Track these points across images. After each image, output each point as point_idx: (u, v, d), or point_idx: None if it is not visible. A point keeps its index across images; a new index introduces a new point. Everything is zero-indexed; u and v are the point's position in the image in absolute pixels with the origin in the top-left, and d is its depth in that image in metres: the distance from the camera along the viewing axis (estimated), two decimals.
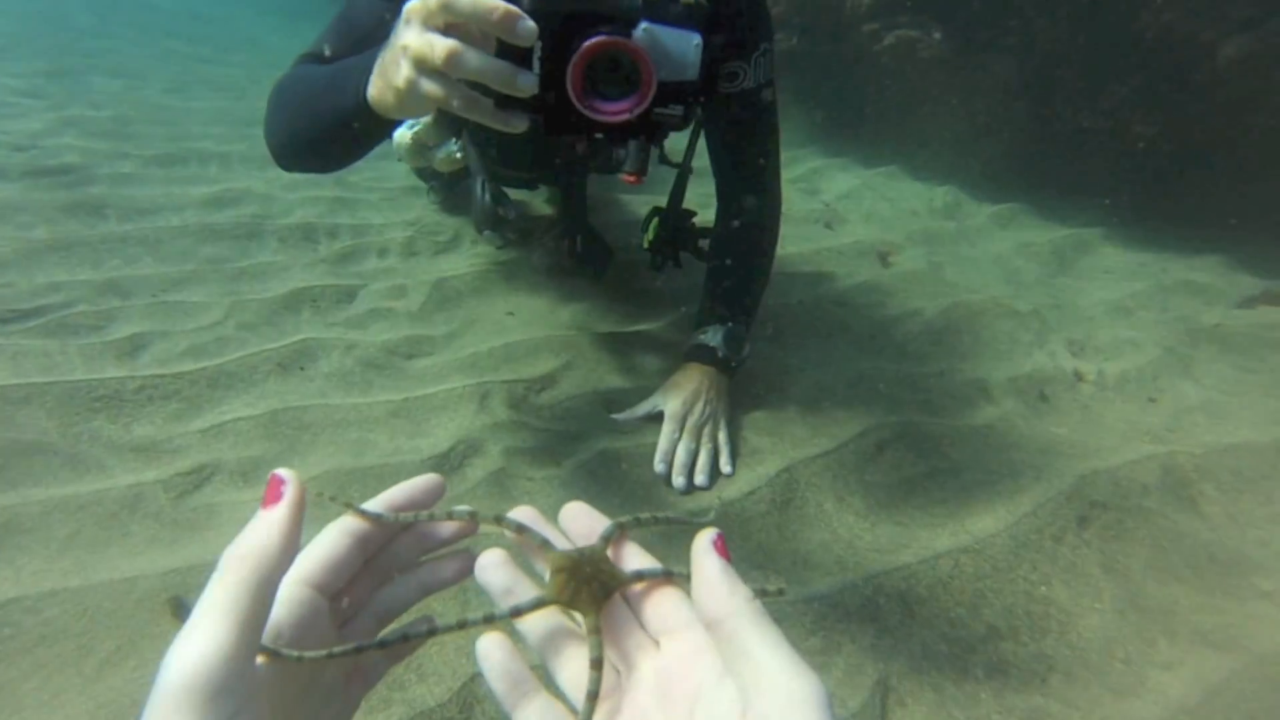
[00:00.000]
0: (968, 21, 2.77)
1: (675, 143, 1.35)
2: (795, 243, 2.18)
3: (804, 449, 1.23)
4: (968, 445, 1.30)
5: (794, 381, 1.42)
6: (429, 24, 0.69)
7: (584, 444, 1.23)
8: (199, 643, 0.29)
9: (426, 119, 1.73)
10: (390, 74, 0.74)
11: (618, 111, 0.73)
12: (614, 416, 1.29)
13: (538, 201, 2.10)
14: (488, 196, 1.59)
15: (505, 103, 0.72)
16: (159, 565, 0.94)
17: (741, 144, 1.36)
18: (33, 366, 1.29)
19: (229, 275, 1.77)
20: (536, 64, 0.72)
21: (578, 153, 1.40)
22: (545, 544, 0.41)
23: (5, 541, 0.95)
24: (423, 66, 0.70)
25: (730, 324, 1.32)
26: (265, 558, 0.32)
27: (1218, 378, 1.53)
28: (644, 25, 0.72)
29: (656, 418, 1.25)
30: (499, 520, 0.42)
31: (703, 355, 1.30)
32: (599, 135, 0.79)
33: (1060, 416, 1.42)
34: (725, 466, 1.19)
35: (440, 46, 0.67)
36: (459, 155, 1.75)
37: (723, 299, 1.36)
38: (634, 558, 0.42)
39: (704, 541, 0.36)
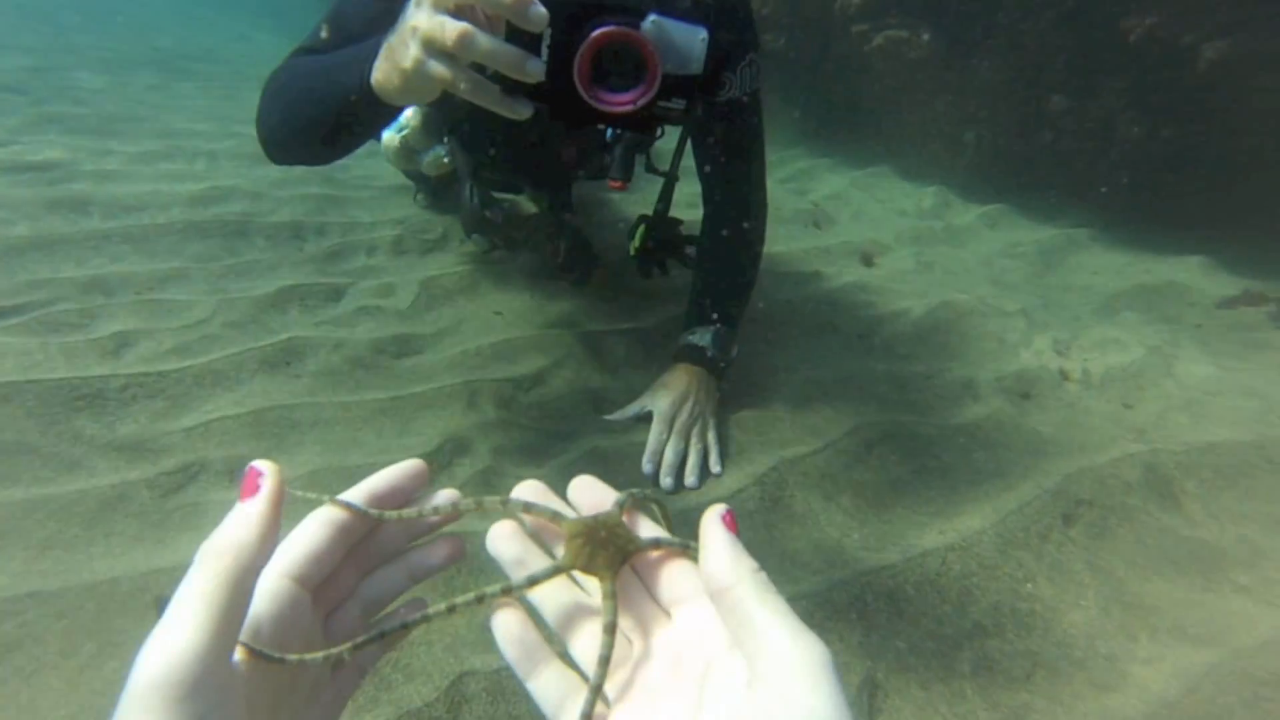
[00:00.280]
0: (955, 23, 2.79)
1: (664, 142, 1.36)
2: (784, 242, 2.19)
3: (792, 448, 1.23)
4: (955, 444, 1.30)
5: (783, 381, 1.42)
6: (440, 6, 0.69)
7: (572, 443, 1.23)
8: (171, 640, 0.28)
9: (414, 123, 1.74)
10: (398, 55, 0.74)
11: (623, 102, 0.74)
12: (605, 417, 1.29)
13: (525, 202, 2.10)
14: (475, 200, 1.59)
15: (511, 88, 0.72)
16: (143, 565, 0.93)
17: (727, 152, 1.37)
18: (13, 365, 1.28)
19: (216, 273, 1.75)
20: (545, 51, 0.72)
21: (564, 159, 1.41)
22: (556, 515, 0.41)
23: None
24: (432, 48, 0.70)
25: (719, 325, 1.33)
26: (242, 552, 0.31)
27: (1199, 377, 1.55)
28: (652, 18, 0.72)
29: (646, 418, 1.25)
30: (505, 502, 0.42)
31: (692, 355, 1.31)
32: (600, 126, 0.78)
33: (1046, 415, 1.43)
34: (714, 466, 1.19)
35: (451, 28, 0.67)
36: (446, 160, 1.75)
37: (711, 301, 1.37)
38: (646, 528, 0.41)
39: (713, 514, 0.36)
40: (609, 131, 1.08)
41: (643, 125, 0.78)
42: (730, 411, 1.32)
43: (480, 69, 0.71)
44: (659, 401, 1.24)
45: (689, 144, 1.40)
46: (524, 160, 1.49)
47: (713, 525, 0.36)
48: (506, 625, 0.40)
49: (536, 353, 1.46)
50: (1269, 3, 2.03)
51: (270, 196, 2.25)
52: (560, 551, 0.40)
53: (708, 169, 1.40)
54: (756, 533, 1.08)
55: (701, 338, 1.31)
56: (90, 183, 2.20)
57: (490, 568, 0.98)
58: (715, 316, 1.35)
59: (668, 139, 1.35)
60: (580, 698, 0.36)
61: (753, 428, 1.29)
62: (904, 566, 1.02)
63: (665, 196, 1.46)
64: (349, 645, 0.36)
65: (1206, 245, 2.22)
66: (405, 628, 0.39)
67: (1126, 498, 1.17)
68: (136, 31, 5.25)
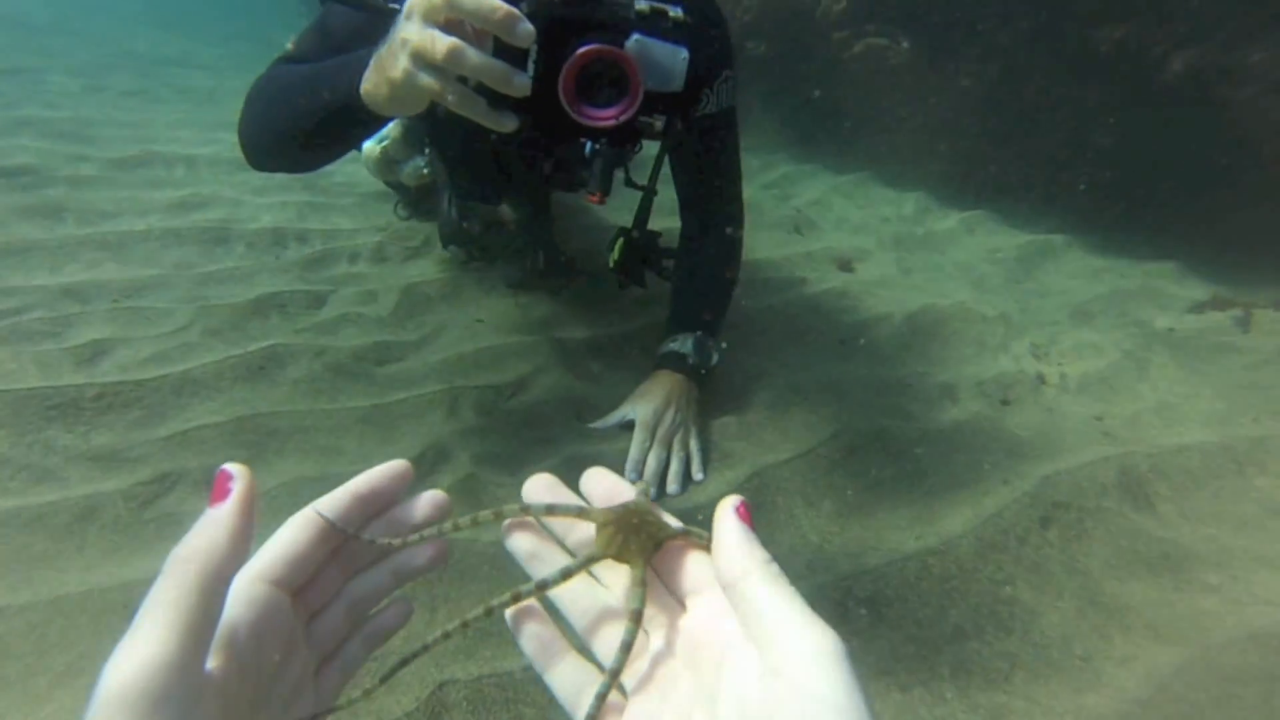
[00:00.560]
0: (935, 31, 2.83)
1: (642, 155, 1.37)
2: (766, 248, 2.20)
3: (774, 453, 1.24)
4: (935, 448, 1.32)
5: (764, 386, 1.43)
6: (431, 20, 0.70)
7: (554, 449, 1.23)
8: (138, 649, 0.28)
9: (395, 133, 1.75)
10: (387, 66, 0.76)
11: (605, 117, 0.76)
12: (588, 425, 1.29)
13: (505, 210, 2.10)
14: (454, 212, 1.60)
15: (497, 102, 0.74)
16: (116, 577, 0.91)
17: (705, 166, 1.40)
18: None
19: (195, 280, 1.73)
20: (531, 66, 0.74)
21: (543, 172, 1.43)
22: (581, 510, 0.41)
23: None
24: (421, 60, 0.71)
25: (699, 332, 1.34)
26: (212, 558, 0.31)
27: (1171, 380, 1.58)
28: (635, 37, 0.75)
29: (628, 426, 1.25)
30: (525, 509, 0.42)
31: (673, 363, 1.31)
32: (583, 139, 0.81)
33: (1024, 419, 1.45)
34: (696, 473, 1.19)
35: (441, 42, 0.69)
36: (426, 171, 1.76)
37: (691, 308, 1.39)
38: (669, 518, 0.42)
39: (726, 506, 0.36)
40: (588, 146, 1.12)
41: (624, 139, 0.80)
42: (712, 418, 1.33)
43: (468, 82, 0.73)
44: (641, 409, 1.25)
45: (667, 158, 1.42)
46: (503, 173, 1.50)
47: (726, 517, 0.36)
48: (522, 620, 0.40)
49: (518, 359, 1.46)
50: (1231, 17, 2.09)
51: (251, 203, 2.23)
52: (569, 538, 0.40)
53: (686, 183, 1.43)
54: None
55: (683, 345, 1.32)
56: (64, 188, 2.17)
57: (474, 572, 0.97)
58: (696, 322, 1.36)
59: (646, 152, 1.37)
60: (596, 688, 0.36)
61: (734, 434, 1.30)
62: (885, 570, 1.03)
63: (643, 210, 1.48)
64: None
65: (1177, 251, 2.27)
66: (489, 612, 0.38)
67: (1102, 500, 1.18)
68: (111, 35, 5.18)
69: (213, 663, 0.31)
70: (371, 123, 0.89)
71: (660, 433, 1.21)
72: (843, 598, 0.99)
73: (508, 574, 0.97)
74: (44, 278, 1.65)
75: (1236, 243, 2.19)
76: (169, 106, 3.42)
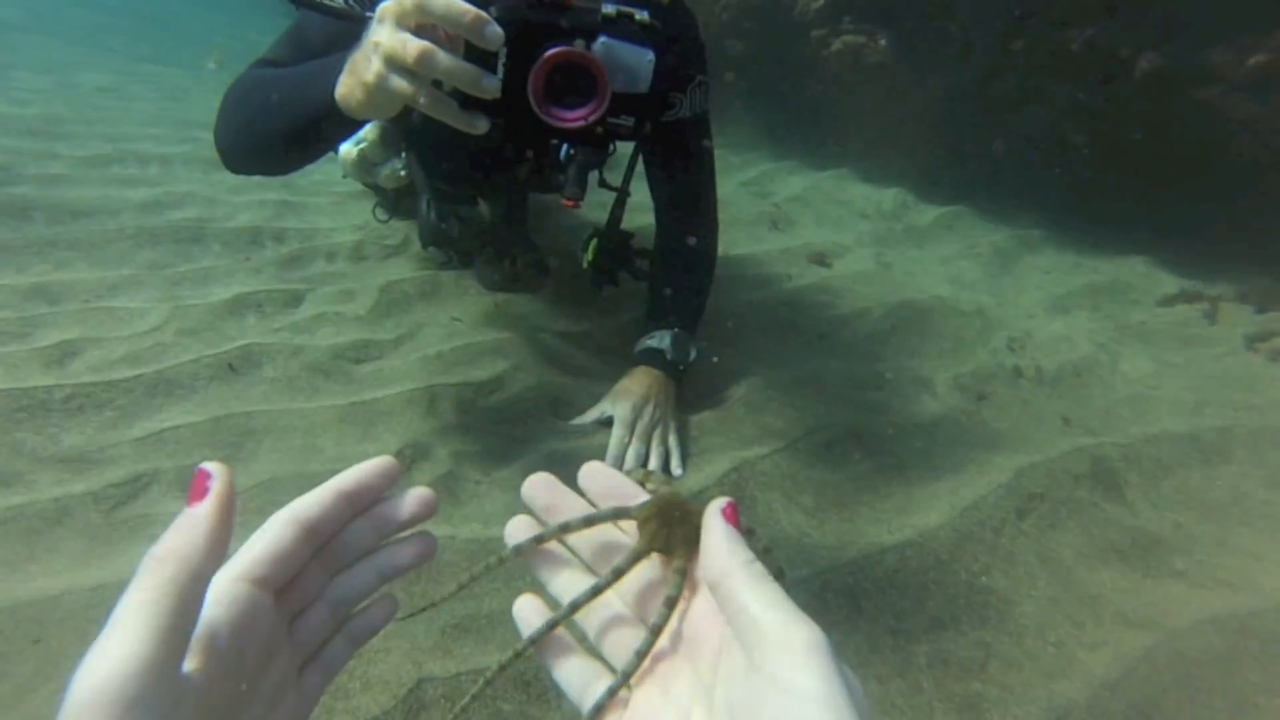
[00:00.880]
0: (911, 29, 2.86)
1: (616, 158, 1.38)
2: (745, 244, 2.22)
3: (753, 448, 1.25)
4: (913, 442, 1.33)
5: (743, 381, 1.44)
6: (402, 24, 0.72)
7: (533, 446, 1.22)
8: (112, 652, 0.27)
9: (372, 136, 1.75)
10: (361, 70, 0.77)
11: (574, 118, 0.78)
12: (567, 422, 1.29)
13: (482, 209, 2.09)
14: (432, 214, 1.60)
15: (469, 104, 0.75)
16: (87, 580, 0.90)
17: (679, 170, 1.43)
18: None
19: (169, 280, 1.71)
20: (501, 69, 0.76)
21: (519, 175, 1.44)
22: (618, 511, 0.41)
23: None
24: (393, 63, 0.73)
25: (677, 328, 1.36)
26: (190, 558, 0.30)
27: (1142, 372, 1.61)
28: (602, 39, 0.77)
29: (606, 422, 1.26)
30: (565, 528, 0.41)
31: (651, 358, 1.32)
32: (554, 140, 0.82)
33: (1001, 412, 1.47)
34: (675, 469, 1.20)
35: (413, 45, 0.70)
36: (403, 173, 1.76)
37: (669, 306, 1.41)
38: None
39: (714, 508, 0.37)
40: (563, 150, 1.14)
41: (594, 140, 0.81)
42: (690, 413, 1.34)
43: (440, 85, 0.74)
44: (619, 406, 1.25)
45: (641, 162, 1.45)
46: (479, 174, 1.51)
47: (713, 519, 0.36)
48: (529, 618, 0.40)
49: (496, 357, 1.46)
50: (1196, 19, 2.13)
51: (227, 202, 2.20)
52: (568, 529, 0.40)
53: (661, 186, 1.46)
54: None
55: (660, 341, 1.33)
56: (33, 186, 2.12)
57: (452, 569, 0.97)
58: (673, 321, 1.38)
59: (620, 153, 1.39)
60: (602, 683, 0.37)
61: (713, 429, 1.30)
62: (863, 563, 1.04)
63: (617, 210, 1.49)
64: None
65: (1148, 246, 2.31)
66: (518, 655, 0.39)
67: (1075, 490, 1.21)
68: (85, 31, 5.09)
69: (192, 665, 0.31)
70: (347, 126, 0.89)
71: (639, 428, 1.22)
72: (821, 590, 1.00)
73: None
74: (10, 277, 1.62)
75: (1204, 238, 2.24)
76: (143, 104, 3.36)
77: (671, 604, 0.36)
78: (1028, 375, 1.62)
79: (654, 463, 1.18)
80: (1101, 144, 2.42)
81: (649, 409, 1.24)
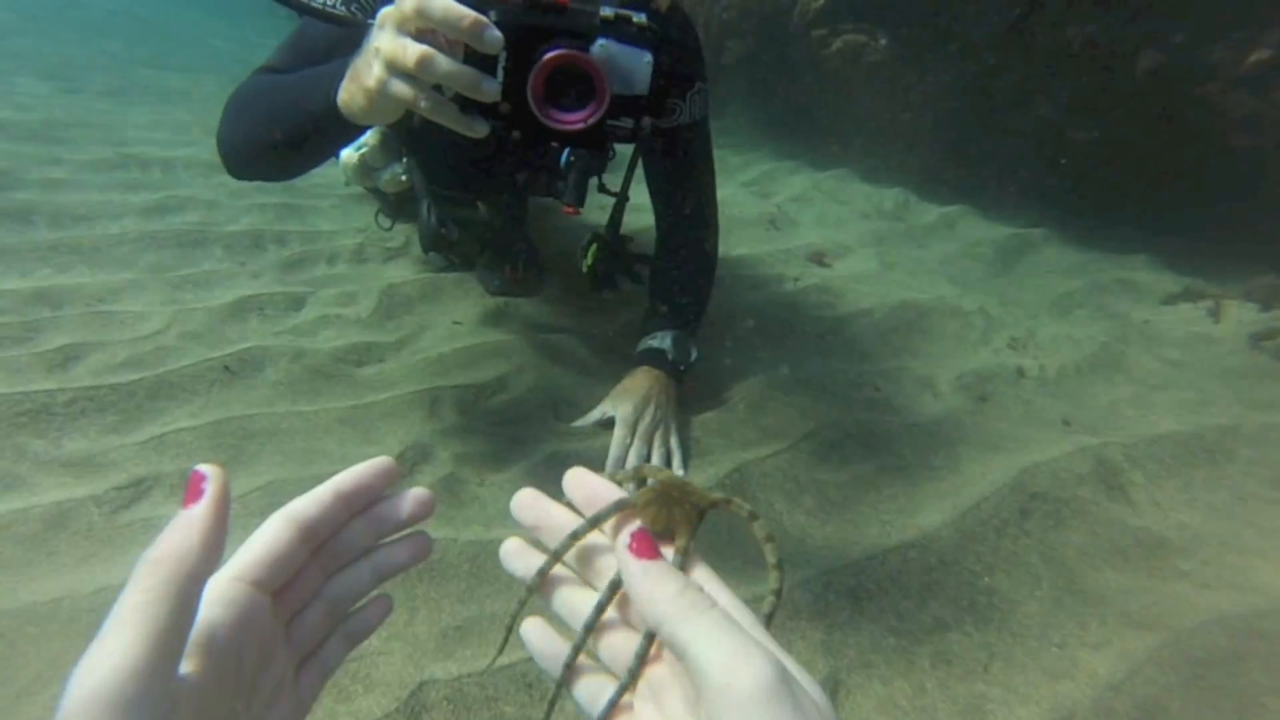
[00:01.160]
0: (912, 28, 2.86)
1: (615, 164, 1.39)
2: (746, 245, 2.21)
3: (755, 449, 1.24)
4: (915, 442, 1.33)
5: (744, 382, 1.44)
6: (402, 28, 0.72)
7: (534, 448, 1.22)
8: (106, 656, 0.27)
9: (373, 141, 1.75)
10: (362, 76, 0.78)
11: (574, 121, 0.78)
12: (569, 424, 1.29)
13: (482, 210, 2.09)
14: (433, 219, 1.61)
15: (469, 108, 0.76)
16: (89, 584, 0.90)
17: (679, 175, 1.43)
18: None
19: (171, 284, 1.71)
20: (500, 72, 0.76)
21: (519, 182, 1.45)
22: (620, 504, 0.40)
23: None
24: (394, 68, 0.73)
25: (678, 329, 1.36)
26: (185, 560, 0.30)
27: (1145, 371, 1.61)
28: (601, 42, 0.77)
29: (608, 423, 1.25)
30: (575, 536, 0.40)
31: (653, 359, 1.32)
32: (554, 144, 0.82)
33: (1003, 411, 1.47)
34: (677, 470, 1.20)
35: (413, 50, 0.71)
36: (404, 178, 1.77)
37: (669, 308, 1.41)
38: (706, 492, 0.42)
39: (620, 549, 0.34)
40: (563, 157, 1.15)
41: (593, 143, 0.81)
42: (692, 414, 1.33)
43: (440, 89, 0.75)
44: (621, 406, 1.25)
45: (640, 168, 1.45)
46: (478, 179, 1.52)
47: (623, 560, 0.34)
48: (534, 638, 0.41)
49: (498, 359, 1.46)
50: (1196, 16, 2.13)
51: (228, 206, 2.21)
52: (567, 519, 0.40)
53: (660, 192, 1.46)
54: (719, 535, 1.09)
55: (661, 341, 1.33)
56: (35, 191, 2.13)
57: (453, 571, 0.97)
58: (674, 321, 1.38)
59: (619, 157, 1.40)
60: (608, 692, 0.37)
61: (715, 430, 1.30)
62: (866, 564, 1.04)
63: (616, 215, 1.50)
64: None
65: (1151, 245, 2.31)
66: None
67: (1078, 490, 1.20)
68: (84, 35, 5.10)
69: (189, 667, 0.31)
70: (349, 132, 0.90)
71: (641, 429, 1.21)
72: (824, 591, 0.99)
73: (487, 573, 0.97)
74: (13, 282, 1.63)
75: (1208, 235, 2.23)
76: (144, 108, 3.37)
77: None
78: (1030, 375, 1.61)
79: (655, 464, 1.18)
80: (1103, 142, 2.41)
81: (650, 409, 1.24)
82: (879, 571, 1.03)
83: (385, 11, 0.74)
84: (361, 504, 0.41)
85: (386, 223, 1.95)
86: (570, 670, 0.39)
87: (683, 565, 0.37)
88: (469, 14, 0.69)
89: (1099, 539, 1.12)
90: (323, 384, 1.36)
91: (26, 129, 2.67)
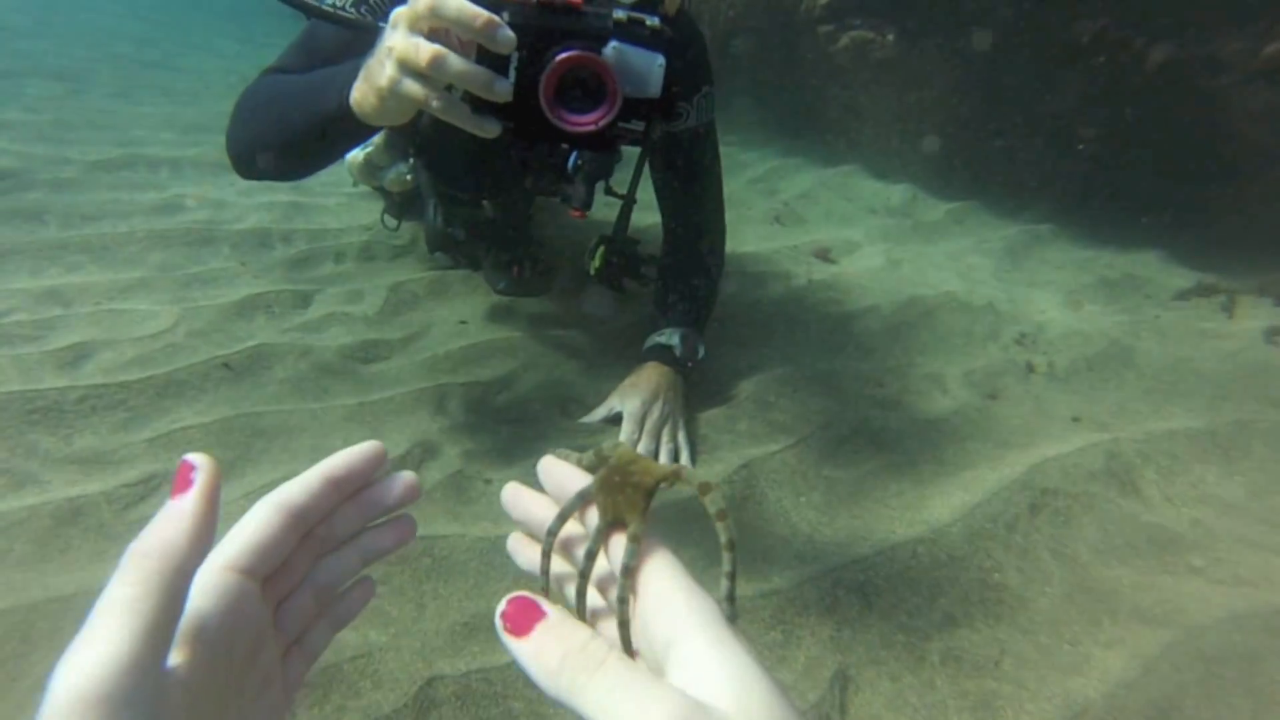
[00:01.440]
0: (919, 23, 2.84)
1: (621, 167, 1.38)
2: (753, 242, 2.21)
3: (763, 445, 1.24)
4: (924, 438, 1.32)
5: (752, 378, 1.43)
6: (414, 28, 0.73)
7: (541, 445, 1.22)
8: (94, 650, 0.26)
9: (378, 140, 1.76)
10: (374, 76, 0.78)
11: (585, 122, 0.78)
12: (576, 420, 1.29)
13: (488, 209, 2.09)
14: (438, 219, 1.61)
15: (480, 108, 0.76)
16: (101, 580, 0.89)
17: (686, 179, 1.44)
18: None
19: (179, 282, 1.72)
20: (512, 73, 0.76)
21: (525, 185, 1.45)
22: (582, 496, 0.39)
23: None
24: (406, 68, 0.74)
25: (685, 327, 1.36)
26: (172, 552, 0.30)
27: (1157, 367, 1.59)
28: (613, 44, 0.77)
29: (615, 419, 1.25)
30: (551, 534, 0.40)
31: (660, 355, 1.32)
32: (564, 146, 0.83)
33: (1013, 407, 1.46)
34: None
35: (425, 50, 0.71)
36: (409, 177, 1.77)
37: (677, 306, 1.41)
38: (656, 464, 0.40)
39: (497, 621, 0.32)
40: (570, 161, 1.15)
41: (603, 145, 0.81)
42: (699, 410, 1.33)
43: (451, 89, 0.75)
44: (628, 402, 1.25)
45: (648, 171, 1.45)
46: (487, 178, 1.52)
47: (502, 639, 0.32)
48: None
49: (505, 356, 1.46)
50: (1208, 8, 2.11)
51: (235, 204, 2.22)
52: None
53: (667, 195, 1.47)
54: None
55: (669, 338, 1.33)
56: (46, 191, 2.15)
57: (462, 568, 0.97)
58: (681, 319, 1.38)
59: (626, 160, 1.40)
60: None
61: (722, 426, 1.30)
62: (874, 560, 1.03)
63: (623, 217, 1.50)
64: None
65: (1162, 239, 2.28)
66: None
67: (1089, 485, 1.19)
68: (93, 37, 5.13)
69: (181, 658, 0.30)
70: (360, 133, 0.90)
71: (648, 424, 1.21)
72: (832, 587, 0.99)
73: (495, 569, 0.97)
74: (24, 281, 1.64)
75: (1220, 230, 2.21)
76: (152, 108, 3.39)
77: (628, 572, 0.35)
78: (1040, 371, 1.60)
79: (663, 459, 1.18)
80: (1113, 136, 2.39)
81: (658, 405, 1.24)
82: (888, 568, 1.03)
83: (398, 11, 0.74)
84: (350, 489, 0.40)
85: (392, 222, 1.95)
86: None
87: (636, 554, 0.35)
88: (482, 13, 0.69)
89: (1111, 535, 1.11)
90: (330, 381, 1.36)
91: (37, 130, 2.69)
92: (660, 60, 0.78)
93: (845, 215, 2.60)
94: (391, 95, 0.76)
